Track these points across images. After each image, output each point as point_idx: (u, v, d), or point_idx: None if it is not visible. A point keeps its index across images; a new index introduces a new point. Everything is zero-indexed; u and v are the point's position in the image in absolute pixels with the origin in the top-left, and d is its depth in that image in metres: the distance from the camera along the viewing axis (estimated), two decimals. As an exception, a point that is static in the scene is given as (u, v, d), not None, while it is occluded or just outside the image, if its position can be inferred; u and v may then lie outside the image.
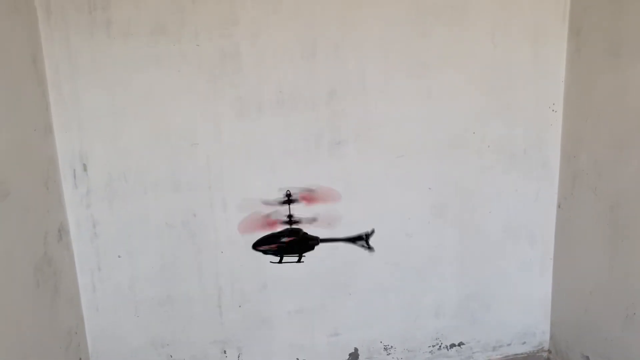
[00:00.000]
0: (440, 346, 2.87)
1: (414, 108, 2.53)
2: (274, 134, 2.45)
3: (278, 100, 2.42)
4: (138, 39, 2.27)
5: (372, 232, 2.61)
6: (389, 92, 2.49)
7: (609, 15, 2.30)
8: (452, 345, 2.88)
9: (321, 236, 2.59)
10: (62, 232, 2.32)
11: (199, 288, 2.56)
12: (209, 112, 2.38)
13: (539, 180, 2.71)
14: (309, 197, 2.51)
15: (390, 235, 2.67)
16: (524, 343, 2.94)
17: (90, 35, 2.24)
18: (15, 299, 1.93)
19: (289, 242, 2.56)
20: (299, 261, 2.60)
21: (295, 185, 2.51)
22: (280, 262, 2.59)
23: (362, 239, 2.61)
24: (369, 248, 2.63)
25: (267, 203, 2.50)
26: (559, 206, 2.74)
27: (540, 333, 2.93)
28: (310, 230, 2.58)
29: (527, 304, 2.88)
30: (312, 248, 2.60)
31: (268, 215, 2.52)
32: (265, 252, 2.56)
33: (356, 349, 2.79)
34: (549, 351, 2.94)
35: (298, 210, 2.54)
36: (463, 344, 2.88)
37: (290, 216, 2.53)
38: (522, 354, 2.94)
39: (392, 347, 2.82)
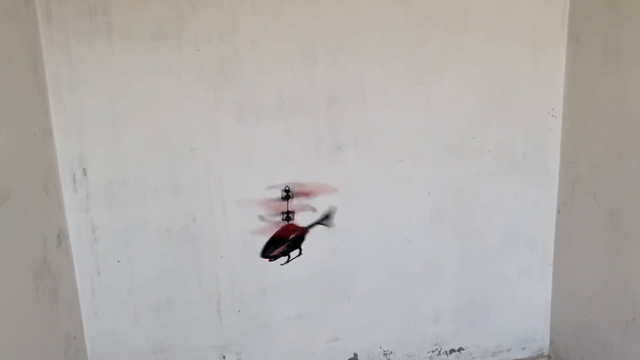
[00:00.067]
0: (439, 351, 2.86)
1: (414, 113, 2.54)
2: (273, 139, 2.45)
3: (278, 106, 2.43)
4: (138, 44, 2.27)
5: (333, 210, 2.58)
6: (389, 98, 2.50)
7: (607, 21, 2.30)
8: (452, 351, 2.87)
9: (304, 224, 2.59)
10: (61, 236, 2.33)
11: (198, 293, 2.56)
12: (208, 117, 2.39)
13: (538, 185, 2.72)
14: (307, 192, 2.51)
15: (389, 240, 2.67)
16: (524, 348, 2.93)
17: (90, 41, 2.25)
18: (15, 304, 1.93)
19: (295, 239, 2.55)
20: (299, 254, 2.59)
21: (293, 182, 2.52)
22: (288, 261, 2.58)
23: (327, 218, 2.59)
24: (328, 225, 2.59)
25: (265, 202, 2.49)
26: (558, 211, 2.74)
27: (539, 338, 2.93)
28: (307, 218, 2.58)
29: (527, 310, 2.87)
30: (303, 238, 2.59)
31: (265, 217, 2.51)
32: (276, 257, 2.55)
33: (355, 354, 2.79)
34: (549, 357, 2.93)
35: (296, 206, 2.53)
36: (462, 349, 2.88)
37: (288, 212, 2.53)
38: (521, 359, 2.94)
39: (391, 352, 2.82)
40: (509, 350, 2.92)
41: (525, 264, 2.81)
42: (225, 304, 2.59)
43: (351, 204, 2.58)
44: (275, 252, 2.55)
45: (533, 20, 2.52)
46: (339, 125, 2.49)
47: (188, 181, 2.44)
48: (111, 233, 2.44)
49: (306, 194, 2.51)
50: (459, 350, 2.88)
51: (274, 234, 2.54)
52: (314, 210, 2.55)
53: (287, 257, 2.57)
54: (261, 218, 2.52)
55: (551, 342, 2.91)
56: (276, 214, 2.52)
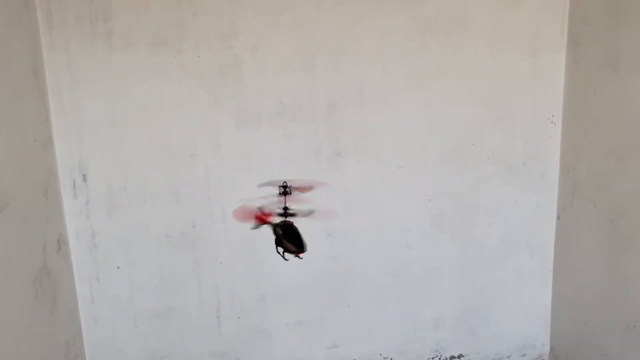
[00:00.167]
0: (439, 358, 2.85)
1: (413, 119, 2.54)
2: (273, 145, 2.46)
3: (278, 112, 2.43)
4: (139, 50, 2.28)
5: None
6: (389, 104, 2.50)
7: (606, 28, 2.31)
8: (452, 358, 2.87)
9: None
10: (61, 242, 2.32)
11: (198, 299, 2.55)
12: (208, 123, 2.39)
13: (538, 191, 2.72)
14: (305, 188, 2.50)
15: (389, 247, 2.66)
16: (524, 355, 2.93)
17: (91, 46, 2.25)
18: (14, 310, 1.92)
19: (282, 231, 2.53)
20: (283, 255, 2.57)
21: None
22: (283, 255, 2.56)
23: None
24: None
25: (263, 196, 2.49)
26: (558, 218, 2.74)
27: (540, 345, 2.92)
28: (307, 224, 2.55)
29: (527, 316, 2.87)
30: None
31: (262, 207, 2.50)
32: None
33: (355, 361, 2.78)
34: (549, 363, 2.93)
35: (294, 203, 2.53)
36: (462, 356, 2.87)
37: (285, 208, 2.52)
38: (522, 366, 2.94)
39: (391, 359, 2.81)
40: (509, 357, 2.91)
41: (525, 270, 2.81)
42: (224, 311, 2.59)
43: (351, 210, 2.58)
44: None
45: (532, 26, 2.53)
46: (338, 131, 2.50)
47: (188, 187, 2.44)
48: (111, 239, 2.43)
49: (303, 190, 2.50)
50: (458, 357, 2.87)
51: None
52: (311, 208, 2.54)
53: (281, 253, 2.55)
54: (257, 207, 2.51)
55: (551, 348, 2.90)
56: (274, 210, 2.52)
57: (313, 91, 2.44)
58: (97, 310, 2.50)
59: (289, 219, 2.52)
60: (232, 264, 2.54)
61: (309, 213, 2.54)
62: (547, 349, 2.92)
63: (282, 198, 2.50)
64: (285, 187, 2.49)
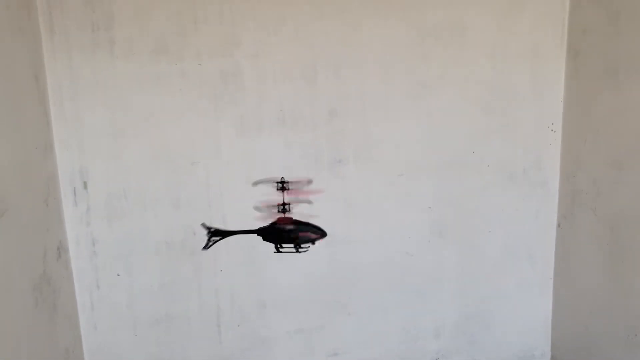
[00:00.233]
0: (440, 366, 2.85)
1: (414, 127, 2.55)
2: (274, 153, 2.46)
3: (278, 119, 2.44)
4: (140, 58, 2.29)
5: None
6: (389, 112, 2.51)
7: (606, 37, 2.32)
8: (452, 366, 2.86)
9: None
10: (61, 250, 2.32)
11: (198, 307, 2.55)
12: (209, 131, 2.40)
13: (538, 199, 2.72)
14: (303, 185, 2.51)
15: (390, 254, 2.66)
16: (525, 364, 2.92)
17: (92, 55, 2.27)
18: (14, 318, 1.92)
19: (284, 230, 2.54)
20: (277, 248, 2.57)
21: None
22: (275, 249, 2.57)
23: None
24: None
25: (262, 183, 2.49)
26: (558, 225, 2.74)
27: (540, 354, 2.91)
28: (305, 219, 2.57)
29: (528, 324, 2.86)
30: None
31: (261, 207, 2.51)
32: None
33: (355, 369, 2.77)
34: (550, 372, 2.92)
35: (292, 199, 2.53)
36: (463, 364, 2.87)
37: (284, 204, 2.52)
38: (522, 375, 2.93)
39: (391, 367, 2.80)
40: (509, 365, 2.91)
41: (526, 278, 2.80)
42: (224, 318, 2.58)
43: (351, 218, 2.58)
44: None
45: (532, 35, 2.54)
46: (339, 138, 2.50)
47: (188, 194, 2.44)
48: (111, 246, 2.43)
49: (301, 187, 2.50)
50: (459, 365, 2.86)
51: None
52: (309, 202, 2.53)
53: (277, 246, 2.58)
54: (257, 209, 2.51)
55: (552, 357, 2.89)
56: (272, 206, 2.52)
57: (314, 99, 2.45)
58: (97, 317, 2.49)
59: (288, 214, 2.53)
60: (232, 271, 2.54)
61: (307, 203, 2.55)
62: (548, 357, 2.91)
63: (280, 194, 2.50)
64: (282, 183, 2.49)
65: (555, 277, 2.80)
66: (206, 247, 2.50)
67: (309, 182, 2.51)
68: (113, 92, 2.30)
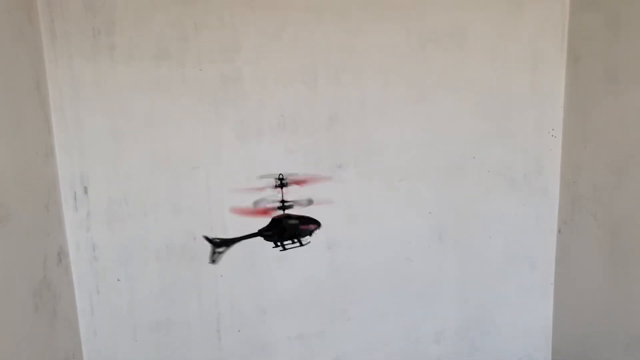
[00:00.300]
0: (440, 372, 2.84)
1: (414, 133, 2.55)
2: (274, 158, 2.46)
3: (279, 124, 2.44)
4: (141, 63, 2.29)
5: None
6: (390, 117, 2.51)
7: (606, 43, 2.33)
8: (453, 371, 2.85)
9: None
10: (61, 255, 2.32)
11: (198, 312, 2.54)
12: (210, 136, 2.40)
13: (538, 205, 2.72)
14: (301, 181, 2.50)
15: (390, 259, 2.66)
16: (525, 370, 2.91)
17: (93, 60, 2.27)
18: (14, 323, 1.91)
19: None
20: (282, 246, 2.56)
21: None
22: (281, 247, 2.56)
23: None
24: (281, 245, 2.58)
25: (259, 188, 2.48)
26: (559, 231, 2.74)
27: (541, 359, 2.90)
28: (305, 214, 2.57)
29: (528, 330, 2.86)
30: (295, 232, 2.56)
31: (259, 202, 2.50)
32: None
33: (356, 375, 2.77)
34: (551, 378, 2.91)
35: (291, 194, 2.52)
36: (464, 370, 2.86)
37: (282, 201, 2.52)
38: (523, 380, 2.92)
39: (392, 372, 2.80)
40: (510, 371, 2.90)
41: (526, 284, 2.80)
42: (224, 324, 2.58)
43: (352, 223, 2.58)
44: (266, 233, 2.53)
45: (533, 41, 2.55)
46: (340, 143, 2.50)
47: (189, 199, 2.44)
48: (111, 251, 2.43)
49: (300, 183, 2.50)
50: (460, 371, 2.86)
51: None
52: (309, 200, 2.53)
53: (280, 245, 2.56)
54: (256, 203, 2.51)
55: (553, 362, 2.89)
56: (268, 201, 2.51)
57: (314, 104, 2.45)
58: (96, 323, 2.49)
59: (287, 211, 2.52)
60: (233, 276, 2.54)
61: (307, 204, 2.54)
62: (549, 363, 2.91)
63: (279, 191, 2.50)
64: (281, 179, 2.48)
65: (556, 282, 2.80)
66: (213, 261, 2.50)
67: (307, 182, 2.50)
68: (114, 97, 2.30)
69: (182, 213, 2.44)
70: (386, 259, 2.65)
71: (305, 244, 2.57)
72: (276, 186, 2.49)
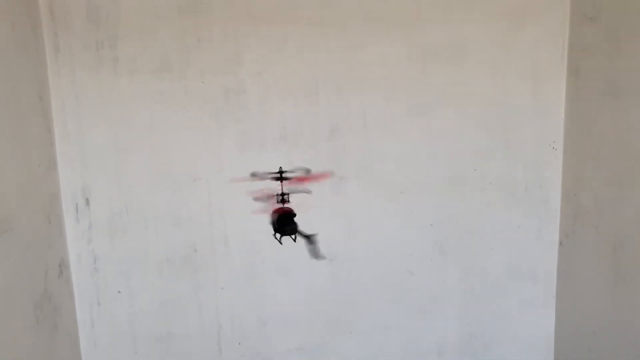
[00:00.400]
0: (442, 386, 2.82)
1: (415, 145, 2.55)
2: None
3: (281, 136, 2.45)
4: (144, 76, 2.31)
5: (313, 235, 2.55)
6: (390, 130, 2.52)
7: (606, 56, 2.33)
8: (455, 385, 2.83)
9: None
10: (62, 267, 2.32)
11: (199, 325, 2.54)
12: (211, 148, 2.41)
13: (540, 217, 2.71)
14: (301, 176, 2.50)
15: (391, 272, 2.65)
16: (528, 383, 2.89)
17: (96, 72, 2.29)
18: (15, 336, 1.91)
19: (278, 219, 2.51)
20: (279, 241, 2.54)
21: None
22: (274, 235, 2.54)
23: (310, 242, 2.55)
24: (317, 255, 2.57)
25: (259, 177, 2.47)
26: (560, 244, 2.73)
27: (543, 373, 2.89)
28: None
29: (530, 344, 2.83)
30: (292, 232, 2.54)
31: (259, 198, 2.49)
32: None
33: (357, 388, 2.75)
34: (553, 392, 2.89)
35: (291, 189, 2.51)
36: (465, 384, 2.84)
37: (282, 194, 2.51)
38: (526, 394, 2.89)
39: (393, 386, 2.78)
40: (512, 385, 2.88)
41: (528, 297, 2.78)
42: (225, 337, 2.57)
43: (353, 235, 2.58)
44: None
45: (533, 54, 2.56)
46: (341, 156, 2.51)
47: (190, 211, 2.44)
48: (112, 263, 2.43)
49: (300, 179, 2.49)
50: (461, 384, 2.84)
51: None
52: (308, 192, 2.52)
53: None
54: (256, 199, 2.50)
55: (555, 377, 2.86)
56: (270, 196, 2.50)
57: (316, 116, 2.46)
58: (97, 335, 2.48)
59: (287, 205, 2.52)
60: (234, 288, 2.54)
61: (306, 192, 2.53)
62: (551, 377, 2.89)
63: (279, 184, 2.49)
64: (281, 173, 2.48)
65: (558, 295, 2.78)
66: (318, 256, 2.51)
67: (307, 171, 2.50)
68: (116, 110, 2.32)
69: (183, 225, 2.44)
70: (387, 272, 2.65)
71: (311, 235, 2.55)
72: (276, 179, 2.49)
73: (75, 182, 2.34)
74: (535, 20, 2.54)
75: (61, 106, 2.29)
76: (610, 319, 2.39)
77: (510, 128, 2.60)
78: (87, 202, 2.37)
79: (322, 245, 2.56)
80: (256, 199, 2.48)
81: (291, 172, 2.47)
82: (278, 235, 2.52)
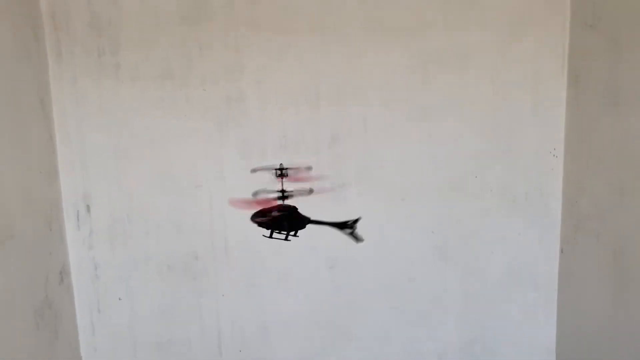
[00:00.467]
0: (443, 393, 2.82)
1: (416, 152, 2.56)
2: (277, 177, 2.47)
3: (281, 144, 2.45)
4: (145, 83, 2.32)
5: (358, 219, 2.55)
6: (391, 137, 2.52)
7: (606, 63, 2.34)
8: (455, 392, 2.83)
9: (312, 216, 2.54)
10: (63, 274, 2.32)
11: (199, 332, 2.53)
12: (213, 155, 2.41)
13: (541, 224, 2.71)
14: (302, 173, 2.49)
15: (392, 279, 2.65)
16: (529, 390, 2.89)
17: (98, 79, 2.30)
18: (15, 342, 1.91)
19: (279, 217, 2.50)
20: (285, 239, 2.54)
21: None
22: (270, 236, 2.52)
23: (347, 227, 2.55)
24: (356, 238, 2.57)
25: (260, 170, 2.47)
26: (561, 251, 2.73)
27: (545, 380, 2.88)
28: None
29: (532, 350, 2.83)
30: (303, 226, 2.54)
31: (259, 193, 2.49)
32: (259, 224, 2.50)
33: (358, 395, 2.74)
34: (554, 399, 2.88)
35: (291, 185, 2.51)
36: (466, 390, 2.83)
37: (282, 191, 2.51)
38: (526, 401, 2.89)
39: (394, 393, 2.77)
40: (513, 392, 2.87)
41: (529, 304, 2.78)
42: (225, 344, 2.56)
43: (354, 242, 2.58)
44: (258, 220, 2.49)
45: (533, 62, 2.56)
46: (342, 163, 2.51)
47: (191, 218, 2.44)
48: (113, 270, 2.43)
49: (301, 176, 2.49)
50: (462, 391, 2.83)
51: (265, 208, 2.50)
52: (310, 191, 2.53)
53: (270, 231, 2.52)
54: (255, 194, 2.50)
55: (556, 383, 2.86)
56: (270, 192, 2.50)
57: (316, 124, 2.46)
58: (97, 341, 2.48)
59: (287, 201, 2.51)
60: (234, 295, 2.53)
61: (307, 193, 2.52)
62: (553, 384, 2.88)
63: (279, 180, 2.49)
64: (281, 169, 2.48)
65: (559, 302, 2.78)
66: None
67: (308, 168, 2.50)
68: (118, 117, 2.32)
69: (184, 232, 2.44)
70: (388, 278, 2.65)
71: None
72: (276, 176, 2.48)
73: (76, 188, 2.35)
74: (536, 27, 2.55)
75: (62, 112, 2.29)
76: (612, 325, 2.39)
77: (510, 135, 2.60)
78: (88, 208, 2.37)
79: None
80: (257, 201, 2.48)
81: (292, 168, 2.47)
82: (283, 232, 2.52)
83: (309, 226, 2.53)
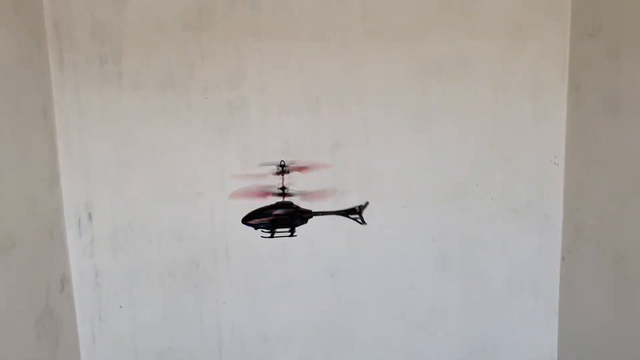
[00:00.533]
0: (445, 401, 2.80)
1: (417, 160, 2.56)
2: (278, 184, 2.47)
3: (283, 151, 2.45)
4: (147, 91, 2.32)
5: (366, 204, 2.55)
6: (392, 145, 2.53)
7: (607, 71, 2.35)
8: (457, 401, 2.81)
9: (314, 209, 2.53)
10: (64, 282, 2.31)
11: (200, 340, 2.52)
12: (214, 163, 2.41)
13: (542, 232, 2.71)
14: (303, 168, 2.48)
15: (393, 287, 2.65)
16: (531, 399, 2.87)
17: (100, 87, 2.30)
18: (16, 351, 1.90)
19: (281, 215, 2.49)
20: (291, 235, 2.53)
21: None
22: (272, 236, 2.52)
23: (355, 212, 2.55)
24: (363, 222, 2.56)
25: (262, 166, 2.46)
26: (562, 259, 2.73)
27: (546, 389, 2.87)
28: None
29: (534, 358, 2.82)
30: (305, 221, 2.53)
31: (259, 187, 2.47)
32: (255, 226, 2.48)
33: (359, 404, 2.73)
34: (557, 408, 2.87)
35: (291, 182, 2.50)
36: (468, 399, 2.82)
37: (283, 188, 2.50)
38: (528, 410, 2.88)
39: (395, 402, 2.76)
40: (515, 400, 2.86)
41: (530, 312, 2.78)
42: (226, 352, 2.55)
43: (355, 250, 2.58)
44: (254, 222, 2.48)
45: (534, 69, 2.58)
46: (343, 170, 2.51)
47: (192, 226, 2.44)
48: (114, 278, 2.42)
49: (301, 170, 2.48)
50: (464, 400, 2.82)
51: (262, 207, 2.49)
52: (310, 188, 2.52)
53: (271, 232, 2.51)
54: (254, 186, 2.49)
55: (558, 392, 2.85)
56: (268, 187, 2.48)
57: (318, 131, 2.47)
58: (98, 350, 2.47)
59: (287, 198, 2.50)
60: (235, 303, 2.53)
61: (307, 192, 2.52)
62: (554, 392, 2.87)
63: (280, 177, 2.48)
64: (283, 166, 2.48)
65: (561, 310, 2.78)
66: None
67: (308, 169, 2.50)
68: (120, 125, 2.33)
69: (186, 239, 2.44)
70: (389, 287, 2.64)
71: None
72: (277, 173, 2.48)
73: (78, 196, 2.34)
74: (536, 35, 2.56)
75: (65, 120, 2.29)
76: (613, 333, 2.39)
77: (511, 143, 2.61)
78: (90, 216, 2.36)
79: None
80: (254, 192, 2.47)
81: (292, 163, 2.47)
82: (286, 229, 2.51)
83: (310, 234, 2.52)
